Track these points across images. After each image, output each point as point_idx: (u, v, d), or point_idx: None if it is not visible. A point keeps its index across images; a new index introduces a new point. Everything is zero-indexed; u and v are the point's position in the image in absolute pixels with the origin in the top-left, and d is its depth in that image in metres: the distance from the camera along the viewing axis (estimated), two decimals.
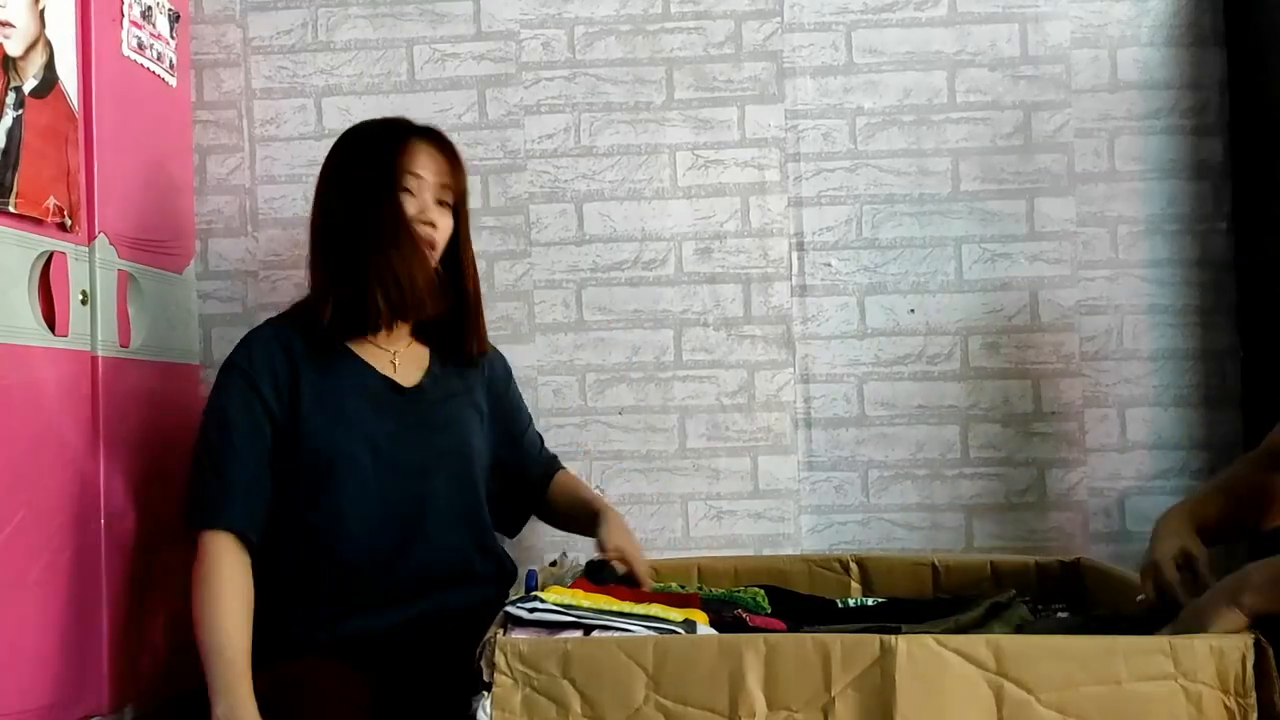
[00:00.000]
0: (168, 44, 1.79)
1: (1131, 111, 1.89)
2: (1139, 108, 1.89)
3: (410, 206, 1.50)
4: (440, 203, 1.53)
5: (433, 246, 1.53)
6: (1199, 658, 1.02)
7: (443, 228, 1.53)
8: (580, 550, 1.84)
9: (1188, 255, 1.88)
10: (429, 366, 1.57)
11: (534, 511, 1.72)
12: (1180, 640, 1.04)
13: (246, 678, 1.34)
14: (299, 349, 1.49)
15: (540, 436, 1.75)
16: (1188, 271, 1.88)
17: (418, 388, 1.54)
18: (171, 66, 1.81)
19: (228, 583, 1.39)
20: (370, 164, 1.51)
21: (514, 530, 1.74)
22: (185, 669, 1.73)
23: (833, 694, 1.07)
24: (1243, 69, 1.84)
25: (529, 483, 1.69)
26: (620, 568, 1.46)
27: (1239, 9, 1.85)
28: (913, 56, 1.90)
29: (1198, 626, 1.07)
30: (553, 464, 1.72)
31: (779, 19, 1.91)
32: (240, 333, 1.86)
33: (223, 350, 1.88)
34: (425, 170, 1.51)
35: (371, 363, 1.52)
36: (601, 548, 1.51)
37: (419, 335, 1.59)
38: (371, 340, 1.53)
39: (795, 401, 1.90)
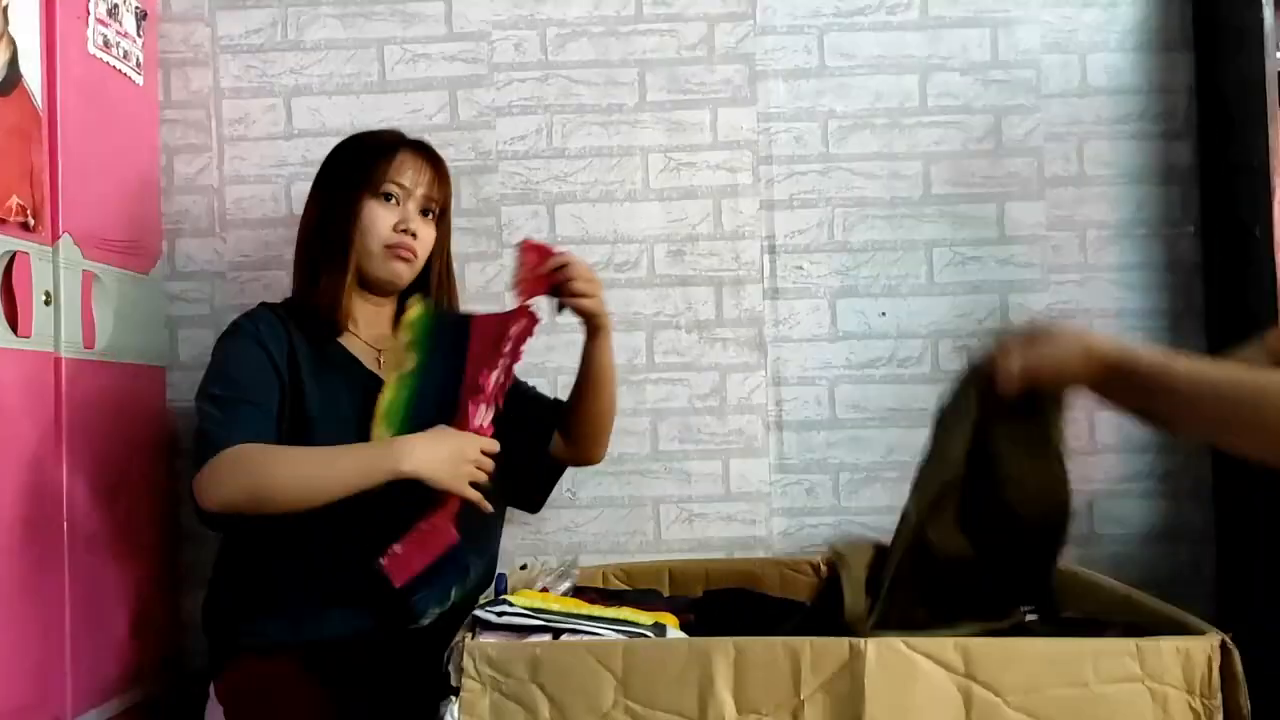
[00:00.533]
0: (134, 42, 1.77)
1: (1101, 116, 1.90)
2: (1108, 112, 1.90)
3: (392, 215, 1.51)
4: (425, 212, 1.56)
5: (412, 256, 1.53)
6: (1165, 660, 1.03)
7: (424, 238, 1.56)
8: (550, 554, 1.84)
9: (1156, 259, 1.89)
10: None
11: (569, 428, 1.65)
12: (1147, 643, 1.04)
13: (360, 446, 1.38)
14: (295, 335, 1.50)
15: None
16: (1156, 275, 1.89)
17: None
18: (138, 65, 1.79)
19: (258, 449, 1.36)
20: (352, 171, 1.53)
21: (536, 505, 1.72)
22: (150, 672, 1.71)
23: (802, 697, 1.07)
24: (1210, 74, 1.86)
25: (561, 408, 1.66)
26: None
27: (1206, 15, 1.86)
28: (884, 60, 1.91)
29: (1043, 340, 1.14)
30: None
31: (751, 22, 1.91)
32: (208, 334, 1.86)
33: (190, 352, 1.88)
34: (409, 180, 1.53)
35: (360, 358, 1.53)
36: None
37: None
38: (357, 334, 1.54)
39: (767, 404, 1.90)
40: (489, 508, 1.40)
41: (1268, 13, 1.67)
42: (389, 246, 1.52)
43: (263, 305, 1.55)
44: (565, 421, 1.64)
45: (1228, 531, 1.83)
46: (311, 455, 1.36)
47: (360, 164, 1.53)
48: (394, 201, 1.53)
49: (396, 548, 1.37)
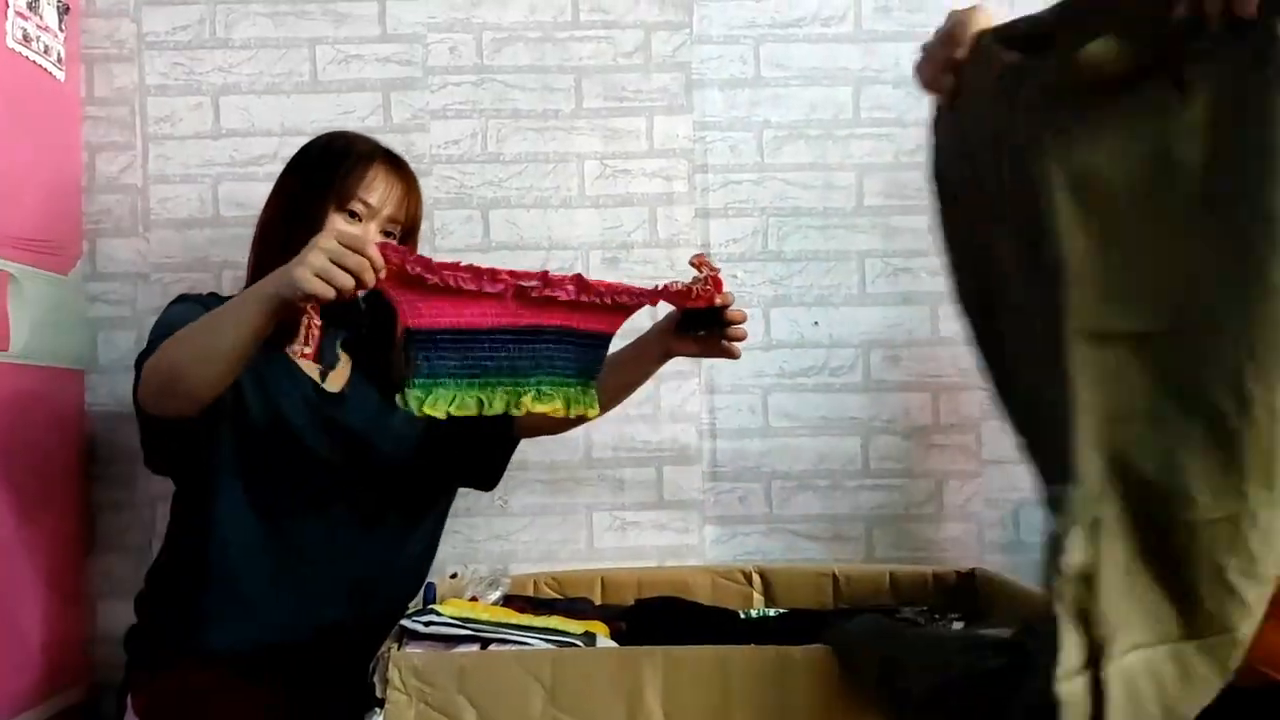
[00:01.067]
0: (56, 36, 1.72)
1: None
2: None
3: (350, 229, 1.45)
4: (386, 233, 1.49)
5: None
6: None
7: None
8: (481, 563, 1.83)
9: None
10: (350, 376, 1.54)
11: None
12: None
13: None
14: None
15: None
16: None
17: (341, 394, 1.52)
18: (60, 60, 1.74)
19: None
20: (321, 178, 1.46)
21: (491, 483, 1.69)
22: (64, 686, 1.66)
23: (731, 706, 1.07)
24: None
25: None
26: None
27: None
28: (819, 72, 1.93)
29: None
30: None
31: (688, 31, 1.92)
32: (130, 337, 1.83)
33: (110, 355, 1.83)
34: (377, 199, 1.47)
35: (299, 362, 1.49)
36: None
37: (345, 347, 1.56)
38: (300, 346, 1.49)
39: (701, 413, 1.91)
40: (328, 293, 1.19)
41: None
42: None
43: (211, 295, 1.51)
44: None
45: None
46: (197, 324, 1.28)
47: (331, 172, 1.46)
48: (357, 219, 1.46)
49: None
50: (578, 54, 1.91)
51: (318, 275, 1.15)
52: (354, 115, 1.88)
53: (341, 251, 1.16)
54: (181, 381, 1.26)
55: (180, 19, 1.88)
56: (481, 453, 1.63)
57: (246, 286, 1.46)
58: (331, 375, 1.53)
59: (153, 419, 1.33)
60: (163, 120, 1.87)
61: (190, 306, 1.41)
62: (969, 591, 1.55)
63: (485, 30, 1.90)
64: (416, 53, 1.90)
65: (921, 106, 1.92)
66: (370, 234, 1.46)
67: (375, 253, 1.18)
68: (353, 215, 1.46)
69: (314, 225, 1.40)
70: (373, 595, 1.47)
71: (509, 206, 1.90)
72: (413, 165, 1.86)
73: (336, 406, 1.50)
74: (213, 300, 1.47)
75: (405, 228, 1.52)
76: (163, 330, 1.35)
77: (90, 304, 1.84)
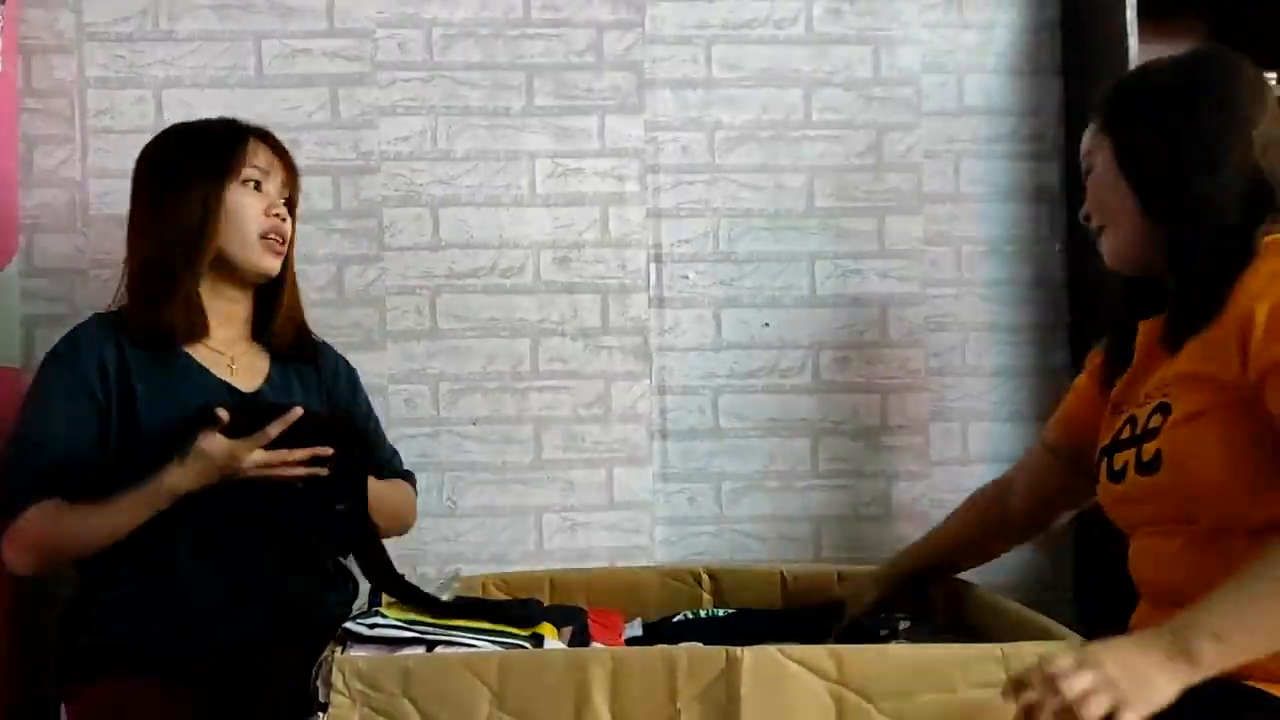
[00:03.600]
0: None
1: (976, 135, 1.96)
2: (983, 132, 1.96)
3: (259, 201, 1.45)
4: (285, 200, 1.49)
5: (282, 246, 1.48)
6: (1028, 664, 1.05)
7: (287, 231, 1.48)
8: (429, 565, 1.81)
9: (1025, 275, 1.96)
10: (269, 372, 1.51)
11: None
12: (1010, 648, 1.07)
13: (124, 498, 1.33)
14: (129, 348, 1.41)
15: (396, 453, 1.70)
16: (1026, 291, 1.96)
17: (257, 393, 1.48)
18: None
19: (51, 507, 1.34)
20: (204, 160, 1.44)
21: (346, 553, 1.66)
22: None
23: (678, 706, 1.07)
24: (1077, 97, 1.93)
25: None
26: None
27: (1074, 41, 1.94)
28: (770, 73, 1.93)
29: (1137, 685, 0.92)
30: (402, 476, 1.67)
31: (640, 30, 1.92)
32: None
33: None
34: (265, 162, 1.46)
35: (208, 365, 1.45)
36: None
37: (257, 338, 1.53)
38: (205, 342, 1.46)
39: (651, 413, 1.90)
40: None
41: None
42: (263, 236, 1.45)
43: (94, 317, 1.46)
44: None
45: (1085, 538, 1.90)
46: (97, 510, 1.34)
47: (214, 151, 1.44)
48: (257, 187, 1.45)
49: None
50: (529, 51, 1.90)
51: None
52: (301, 110, 1.85)
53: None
54: (68, 557, 1.39)
55: (122, 10, 1.84)
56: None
57: (132, 298, 1.44)
58: (240, 369, 1.48)
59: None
60: (103, 113, 1.83)
61: (57, 379, 1.39)
62: (917, 591, 1.56)
63: (435, 26, 1.89)
64: (365, 48, 1.88)
65: (871, 109, 1.95)
66: (274, 198, 1.47)
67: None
68: (254, 186, 1.45)
69: (217, 207, 1.41)
70: (303, 597, 1.45)
71: (459, 205, 1.88)
72: (360, 162, 1.86)
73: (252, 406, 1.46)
74: (85, 335, 1.41)
75: (291, 196, 1.52)
76: (24, 422, 1.38)
77: (26, 300, 1.80)
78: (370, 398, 1.70)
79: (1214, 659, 0.95)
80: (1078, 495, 1.39)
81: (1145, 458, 1.14)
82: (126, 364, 1.40)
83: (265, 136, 1.50)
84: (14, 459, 1.37)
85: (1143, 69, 1.30)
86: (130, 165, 1.80)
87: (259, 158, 1.46)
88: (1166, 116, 1.18)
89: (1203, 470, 1.09)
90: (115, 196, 1.82)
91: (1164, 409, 1.13)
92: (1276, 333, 1.05)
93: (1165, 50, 1.27)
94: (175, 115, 1.82)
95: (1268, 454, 1.07)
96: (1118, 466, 1.20)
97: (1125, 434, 1.20)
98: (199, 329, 1.44)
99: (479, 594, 1.61)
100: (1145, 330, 1.23)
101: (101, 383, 1.38)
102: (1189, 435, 1.10)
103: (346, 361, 1.65)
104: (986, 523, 1.48)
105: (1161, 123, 1.18)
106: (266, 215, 1.45)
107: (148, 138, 1.80)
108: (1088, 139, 1.29)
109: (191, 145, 1.47)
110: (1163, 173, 1.18)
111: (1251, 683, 1.05)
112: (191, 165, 1.44)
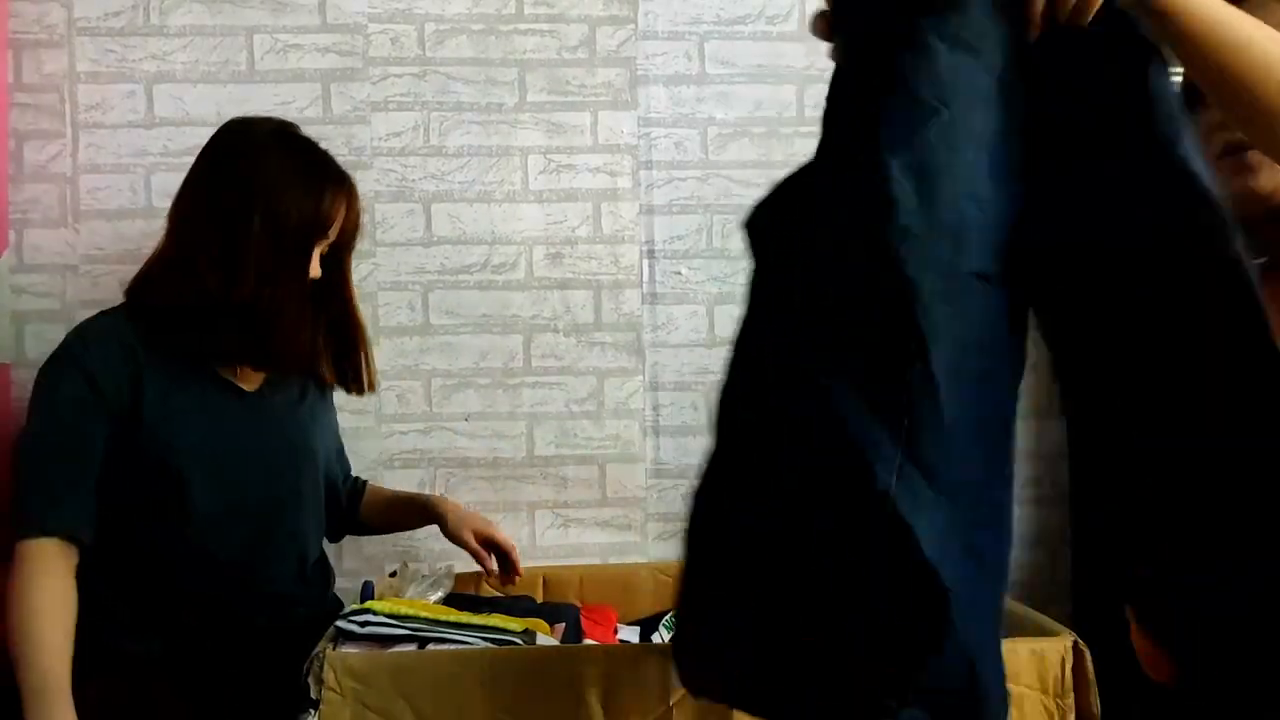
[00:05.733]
0: None
1: None
2: None
3: (313, 266, 1.43)
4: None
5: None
6: (1021, 661, 1.06)
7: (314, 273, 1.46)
8: (422, 561, 1.81)
9: None
10: (266, 374, 1.51)
11: (349, 523, 1.67)
12: (1005, 643, 1.07)
13: (65, 692, 1.25)
14: (140, 346, 1.39)
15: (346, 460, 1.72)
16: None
17: (259, 393, 1.48)
18: None
19: (45, 591, 1.29)
20: (297, 207, 1.39)
21: (336, 536, 1.69)
22: None
23: (671, 704, 1.07)
24: None
25: (339, 492, 1.66)
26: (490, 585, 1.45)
27: None
28: (763, 70, 1.93)
29: None
30: (358, 479, 1.71)
31: (633, 26, 1.91)
32: (58, 330, 1.75)
33: (37, 349, 1.77)
34: (335, 231, 1.44)
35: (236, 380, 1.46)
36: (457, 540, 1.53)
37: None
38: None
39: (644, 409, 1.90)
40: None
41: None
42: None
43: (101, 315, 1.43)
44: (354, 509, 1.67)
45: (1083, 535, 1.91)
46: (33, 638, 1.27)
47: (317, 203, 1.40)
48: (317, 251, 1.44)
49: None
50: (521, 47, 1.89)
51: None
52: (293, 106, 1.84)
53: None
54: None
55: (113, 4, 1.83)
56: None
57: (165, 286, 1.40)
58: (243, 369, 1.47)
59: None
60: (93, 108, 1.82)
61: (71, 383, 1.35)
62: None
63: (427, 21, 1.88)
64: (357, 43, 1.87)
65: None
66: (317, 261, 1.44)
67: None
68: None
69: (304, 260, 1.40)
70: (291, 596, 1.45)
71: (451, 200, 1.88)
72: (353, 158, 1.85)
73: (255, 407, 1.46)
74: (95, 341, 1.38)
75: (344, 245, 1.50)
76: (39, 423, 1.35)
77: (16, 296, 1.79)
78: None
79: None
80: None
81: None
82: (140, 366, 1.38)
83: (350, 190, 1.47)
84: (17, 481, 1.34)
85: None
86: (120, 160, 1.82)
87: (333, 224, 1.43)
88: None
89: None
90: (106, 192, 1.82)
91: None
92: None
93: None
94: (167, 110, 1.82)
95: None
96: None
97: None
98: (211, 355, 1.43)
99: (473, 590, 1.61)
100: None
101: (114, 385, 1.36)
102: None
103: None
104: None
105: None
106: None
107: (139, 133, 1.81)
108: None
109: (284, 176, 1.41)
110: None
111: None
112: (272, 199, 1.39)
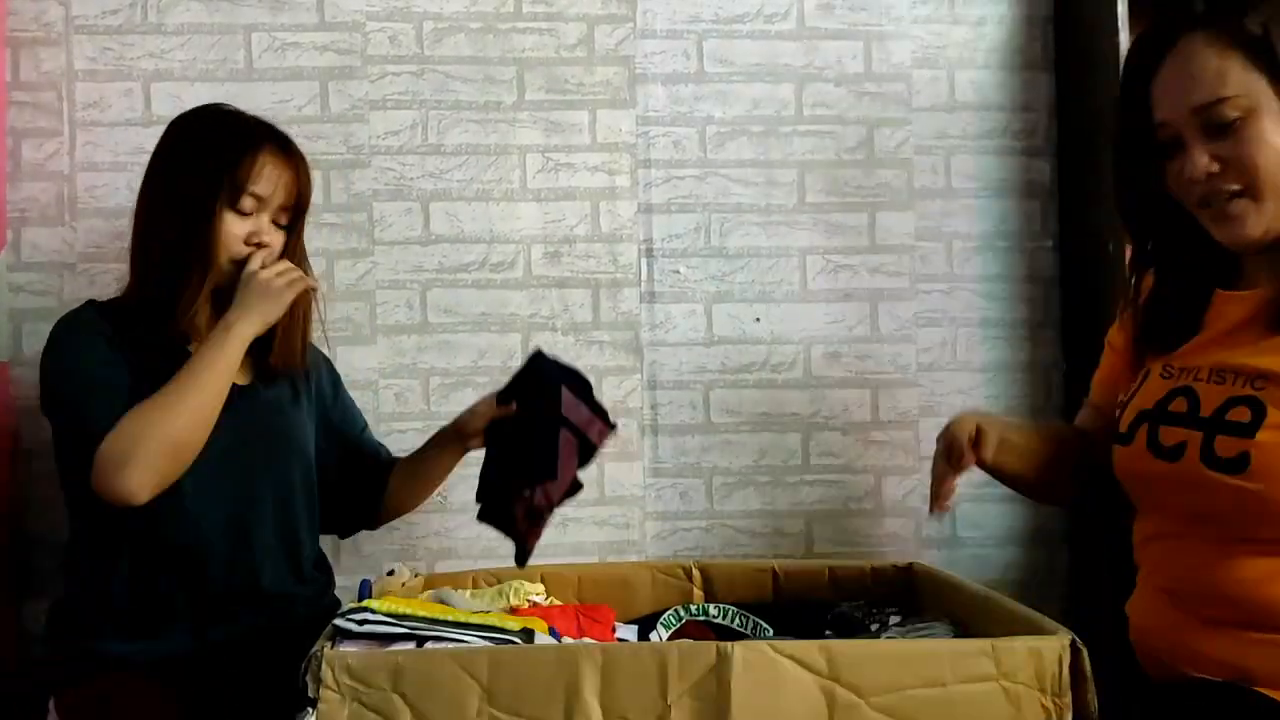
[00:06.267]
0: None
1: (967, 131, 1.96)
2: (974, 128, 1.96)
3: (243, 226, 1.41)
4: (275, 223, 1.45)
5: None
6: (1019, 659, 1.06)
7: (275, 246, 1.45)
8: (420, 560, 1.81)
9: (1017, 271, 1.96)
10: (254, 369, 1.50)
11: (380, 497, 1.65)
12: (1001, 643, 1.07)
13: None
14: (122, 337, 1.39)
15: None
16: (1017, 287, 1.96)
17: (251, 386, 1.48)
18: None
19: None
20: (203, 172, 1.40)
21: (348, 531, 1.69)
22: None
23: (669, 702, 1.07)
24: (1069, 93, 1.93)
25: (381, 466, 1.65)
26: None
27: (1067, 36, 1.94)
28: (762, 68, 1.93)
29: None
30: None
31: (632, 24, 1.91)
32: None
33: (35, 347, 1.75)
34: (265, 188, 1.42)
35: None
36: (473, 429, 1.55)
37: None
38: (199, 334, 1.45)
39: (642, 408, 1.90)
40: (315, 283, 1.49)
41: (1123, 37, 1.74)
42: (235, 261, 1.42)
43: (89, 304, 1.44)
44: (388, 489, 1.65)
45: (1080, 535, 1.91)
46: (174, 387, 1.32)
47: (219, 166, 1.39)
48: (249, 213, 1.42)
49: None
50: (520, 45, 1.89)
51: (278, 302, 1.38)
52: (291, 104, 1.84)
53: (280, 280, 1.39)
54: (187, 452, 1.32)
55: (111, 2, 1.83)
56: (348, 498, 1.63)
57: (136, 286, 1.42)
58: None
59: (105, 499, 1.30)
60: (91, 106, 1.82)
61: (88, 340, 1.36)
62: (907, 586, 1.56)
63: (426, 20, 1.88)
64: (355, 41, 1.87)
65: (862, 105, 1.94)
66: (263, 225, 1.43)
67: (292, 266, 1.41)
68: (243, 214, 1.41)
69: (206, 226, 1.38)
70: (284, 594, 1.45)
71: (449, 199, 1.88)
72: (351, 156, 1.85)
73: (245, 401, 1.45)
74: (87, 318, 1.40)
75: (295, 211, 1.48)
76: (80, 383, 1.34)
77: (14, 294, 1.79)
78: (360, 392, 1.70)
79: None
80: None
81: (1224, 453, 1.07)
82: (124, 354, 1.38)
83: (281, 148, 1.45)
84: (77, 407, 1.33)
85: None
86: (118, 159, 1.82)
87: (260, 180, 1.41)
88: None
89: None
90: (104, 190, 1.82)
91: (1254, 405, 1.05)
92: None
93: None
94: (164, 108, 1.81)
95: None
96: (1170, 443, 1.12)
97: (1178, 407, 1.12)
98: (192, 334, 1.43)
99: (468, 589, 1.61)
100: (1226, 300, 1.15)
101: (113, 353, 1.37)
102: None
103: (326, 358, 1.68)
104: (1067, 453, 1.33)
105: None
106: (247, 243, 1.42)
107: (137, 131, 1.81)
108: (1223, 77, 1.05)
109: (192, 147, 1.43)
110: None
111: (1259, 688, 1.05)
112: (196, 173, 1.40)
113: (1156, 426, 1.15)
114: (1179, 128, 1.08)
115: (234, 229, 1.40)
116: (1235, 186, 1.06)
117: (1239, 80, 1.02)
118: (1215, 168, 1.06)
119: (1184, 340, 1.18)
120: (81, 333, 1.38)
